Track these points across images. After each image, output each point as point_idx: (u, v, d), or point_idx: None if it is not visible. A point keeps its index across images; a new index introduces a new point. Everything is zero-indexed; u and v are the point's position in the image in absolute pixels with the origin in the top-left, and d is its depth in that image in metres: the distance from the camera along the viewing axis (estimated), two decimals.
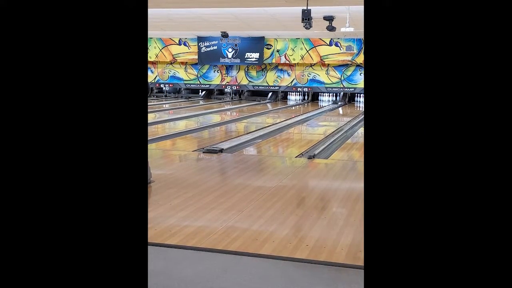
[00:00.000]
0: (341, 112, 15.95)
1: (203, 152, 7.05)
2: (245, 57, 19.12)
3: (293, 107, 17.47)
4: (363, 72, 18.29)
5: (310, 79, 19.21)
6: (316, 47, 18.52)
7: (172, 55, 20.08)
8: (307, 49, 18.63)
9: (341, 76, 18.81)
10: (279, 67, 19.44)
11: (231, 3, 11.84)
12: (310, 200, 4.60)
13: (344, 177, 5.72)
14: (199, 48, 19.48)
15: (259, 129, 10.03)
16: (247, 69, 19.72)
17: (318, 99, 19.32)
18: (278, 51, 18.96)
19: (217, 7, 12.37)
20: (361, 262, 2.97)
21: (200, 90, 20.45)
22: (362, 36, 17.38)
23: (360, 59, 18.04)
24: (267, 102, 18.76)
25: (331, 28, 13.03)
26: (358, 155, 7.27)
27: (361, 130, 10.32)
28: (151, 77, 20.41)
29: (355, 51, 18.16)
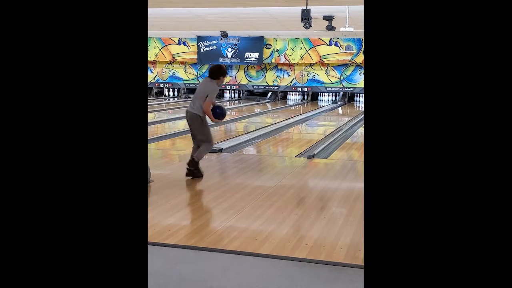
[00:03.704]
0: (340, 112, 15.95)
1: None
2: (245, 56, 19.12)
3: (293, 107, 17.47)
4: (362, 72, 18.29)
5: (309, 79, 19.21)
6: (316, 47, 18.53)
7: (172, 54, 20.07)
8: (307, 49, 18.64)
9: (340, 76, 18.81)
10: (279, 67, 19.44)
11: (231, 3, 11.84)
12: (310, 200, 4.60)
13: (343, 176, 5.72)
14: (199, 48, 19.48)
15: (258, 129, 10.03)
16: (247, 69, 19.72)
17: (317, 99, 19.32)
18: (277, 50, 18.96)
19: (217, 6, 12.37)
20: (360, 262, 2.97)
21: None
22: (361, 36, 17.39)
23: (360, 59, 18.04)
24: (267, 102, 18.76)
25: (330, 28, 13.03)
26: (357, 155, 7.27)
27: (360, 130, 10.32)
28: (150, 77, 20.41)
29: (355, 51, 18.16)
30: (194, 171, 5.33)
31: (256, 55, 19.00)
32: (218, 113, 5.39)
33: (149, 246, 2.83)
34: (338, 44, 18.26)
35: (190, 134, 5.62)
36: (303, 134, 10.70)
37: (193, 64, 20.19)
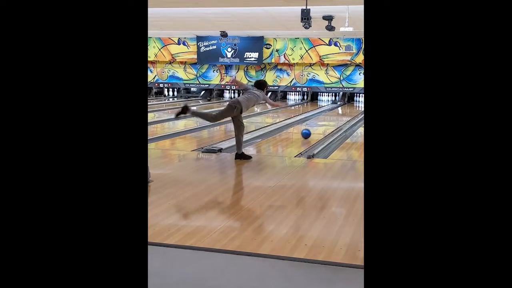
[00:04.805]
0: (340, 112, 15.95)
1: (202, 152, 7.04)
2: (244, 56, 19.11)
3: (293, 107, 17.47)
4: (362, 72, 18.30)
5: (309, 79, 19.21)
6: (316, 47, 18.52)
7: (171, 54, 20.06)
8: (306, 49, 18.63)
9: (340, 76, 18.81)
10: (278, 67, 19.44)
11: (231, 3, 11.84)
12: (309, 200, 4.60)
13: (343, 176, 5.72)
14: (198, 48, 19.47)
15: (258, 129, 10.03)
16: (246, 69, 19.72)
17: (317, 99, 19.31)
18: (277, 50, 18.95)
19: (217, 6, 12.37)
20: (359, 262, 2.97)
21: (200, 93, 20.41)
22: (361, 36, 17.40)
23: (359, 58, 18.05)
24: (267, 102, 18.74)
25: (330, 28, 13.03)
26: (357, 155, 7.27)
27: (360, 130, 10.33)
28: (150, 77, 20.41)
29: (354, 50, 18.16)
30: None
31: (255, 55, 18.99)
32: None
33: (148, 246, 2.82)
34: (338, 44, 18.26)
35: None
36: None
37: (193, 64, 20.18)
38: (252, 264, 3.00)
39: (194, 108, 6.48)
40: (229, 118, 6.63)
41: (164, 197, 4.45)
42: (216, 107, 16.44)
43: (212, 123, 6.76)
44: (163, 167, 6.07)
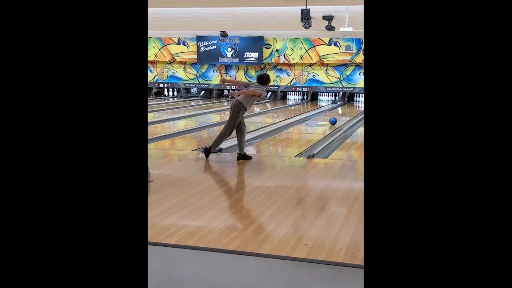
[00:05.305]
0: (340, 111, 15.95)
1: (202, 152, 7.04)
2: (244, 56, 19.12)
3: (292, 107, 17.47)
4: (362, 71, 18.30)
5: (309, 79, 19.21)
6: (315, 47, 18.52)
7: (171, 54, 20.06)
8: (306, 49, 18.63)
9: (340, 76, 18.81)
10: (278, 67, 19.44)
11: (231, 3, 11.84)
12: (309, 200, 4.60)
13: (343, 176, 5.72)
14: (198, 48, 19.47)
15: (258, 129, 10.03)
16: (246, 69, 19.72)
17: (317, 99, 19.32)
18: (277, 50, 18.95)
19: (217, 6, 12.37)
20: (360, 261, 2.97)
21: (200, 93, 20.42)
22: (361, 36, 17.40)
23: (359, 58, 18.05)
24: (266, 102, 18.76)
25: (330, 28, 13.03)
26: (357, 155, 7.27)
27: (360, 130, 10.33)
28: (150, 77, 20.41)
29: (354, 50, 18.16)
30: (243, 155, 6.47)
31: (255, 55, 18.99)
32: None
33: (148, 246, 2.82)
34: (338, 44, 18.26)
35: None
36: (303, 134, 10.70)
37: (193, 64, 20.18)
38: (253, 264, 3.00)
39: (210, 144, 6.65)
40: (226, 119, 6.63)
41: (164, 197, 4.45)
42: (215, 107, 16.45)
43: (227, 130, 6.54)
44: (163, 167, 6.08)
